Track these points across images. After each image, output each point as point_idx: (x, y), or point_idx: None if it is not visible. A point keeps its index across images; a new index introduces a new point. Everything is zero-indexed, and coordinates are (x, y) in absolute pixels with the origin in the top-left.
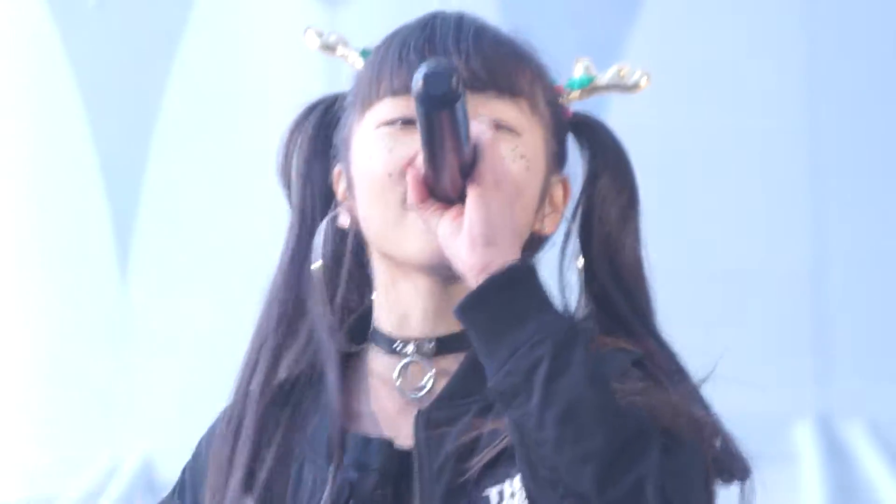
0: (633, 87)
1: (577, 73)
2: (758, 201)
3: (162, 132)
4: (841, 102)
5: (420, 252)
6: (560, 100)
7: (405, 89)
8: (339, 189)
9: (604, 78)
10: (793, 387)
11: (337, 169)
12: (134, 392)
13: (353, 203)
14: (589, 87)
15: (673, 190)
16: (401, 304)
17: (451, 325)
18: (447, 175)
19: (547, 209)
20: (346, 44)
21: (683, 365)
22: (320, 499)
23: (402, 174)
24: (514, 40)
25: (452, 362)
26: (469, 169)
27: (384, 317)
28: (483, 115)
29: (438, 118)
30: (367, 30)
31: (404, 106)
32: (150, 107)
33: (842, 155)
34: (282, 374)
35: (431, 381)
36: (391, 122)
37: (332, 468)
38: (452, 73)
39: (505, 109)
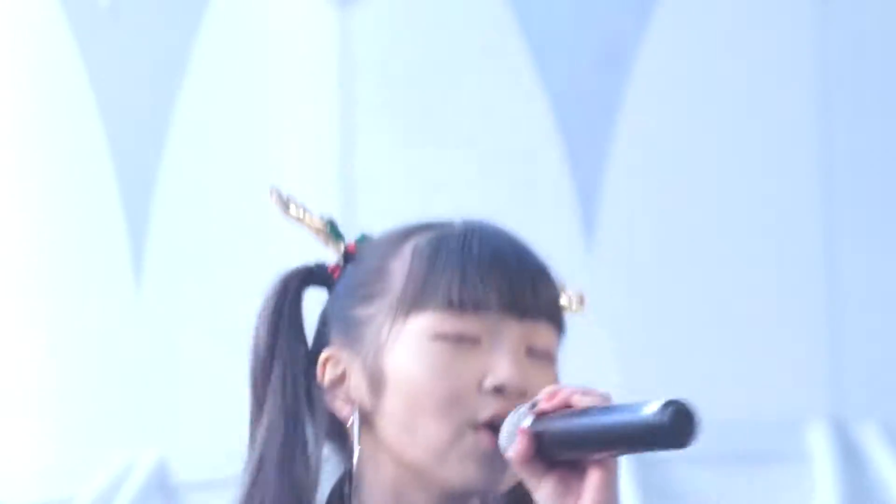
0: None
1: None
2: (771, 204)
3: (176, 135)
4: (854, 112)
5: (468, 477)
6: None
7: (468, 305)
8: (333, 373)
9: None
10: (806, 388)
11: (329, 352)
12: (147, 393)
13: (375, 404)
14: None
15: (685, 196)
16: None
17: None
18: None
19: None
20: (305, 208)
21: None
22: None
23: (467, 396)
24: (542, 258)
25: None
26: None
27: None
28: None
29: (650, 447)
30: (378, 30)
31: (462, 321)
32: (164, 110)
33: (854, 158)
34: None
35: None
36: (446, 337)
37: None
38: (698, 422)
39: (550, 338)
